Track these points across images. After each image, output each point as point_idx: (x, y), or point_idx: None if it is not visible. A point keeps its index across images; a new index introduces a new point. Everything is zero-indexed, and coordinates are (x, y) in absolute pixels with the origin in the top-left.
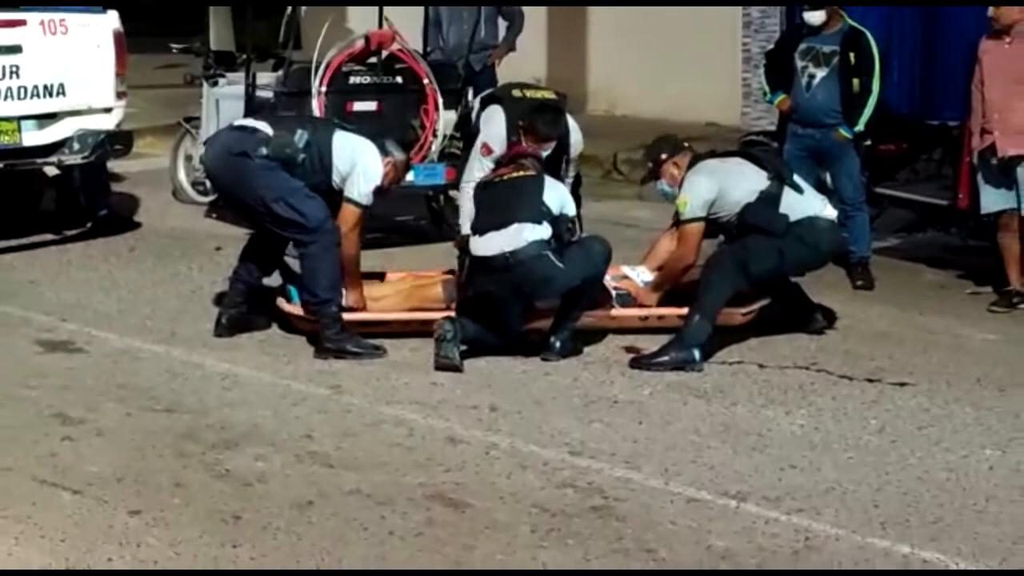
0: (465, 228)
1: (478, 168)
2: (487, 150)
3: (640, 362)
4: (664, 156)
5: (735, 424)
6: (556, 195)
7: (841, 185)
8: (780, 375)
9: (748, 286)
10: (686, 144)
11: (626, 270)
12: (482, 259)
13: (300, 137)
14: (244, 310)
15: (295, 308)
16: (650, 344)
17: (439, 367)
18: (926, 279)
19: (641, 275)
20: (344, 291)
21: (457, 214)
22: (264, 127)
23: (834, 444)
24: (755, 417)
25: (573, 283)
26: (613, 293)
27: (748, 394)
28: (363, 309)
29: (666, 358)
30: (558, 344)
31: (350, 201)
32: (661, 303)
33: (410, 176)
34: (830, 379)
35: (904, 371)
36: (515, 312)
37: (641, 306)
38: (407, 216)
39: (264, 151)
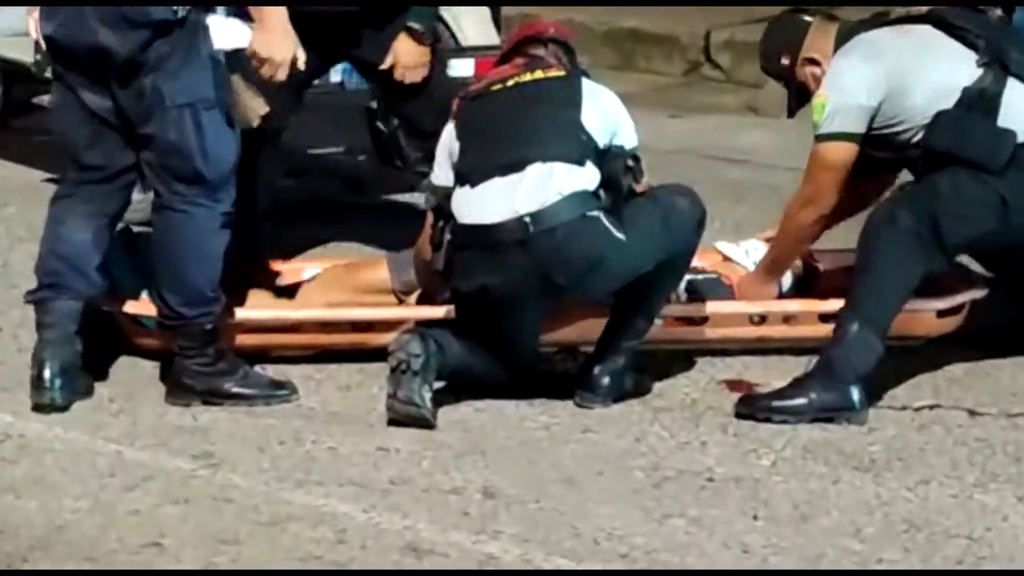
0: None
1: None
2: None
3: (757, 407)
4: (786, 59)
5: (928, 519)
6: (603, 111)
7: None
8: (1008, 430)
9: (946, 264)
10: (808, 17)
11: (726, 249)
12: (478, 229)
13: None
14: (79, 346)
15: (138, 306)
16: (771, 376)
17: (396, 419)
18: None
19: (753, 254)
20: None
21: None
22: None
23: None
24: (962, 506)
25: (642, 268)
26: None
27: (950, 464)
28: None
29: (802, 401)
30: (607, 379)
31: None
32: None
33: (336, 74)
34: None
35: None
36: (532, 321)
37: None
38: (334, 147)
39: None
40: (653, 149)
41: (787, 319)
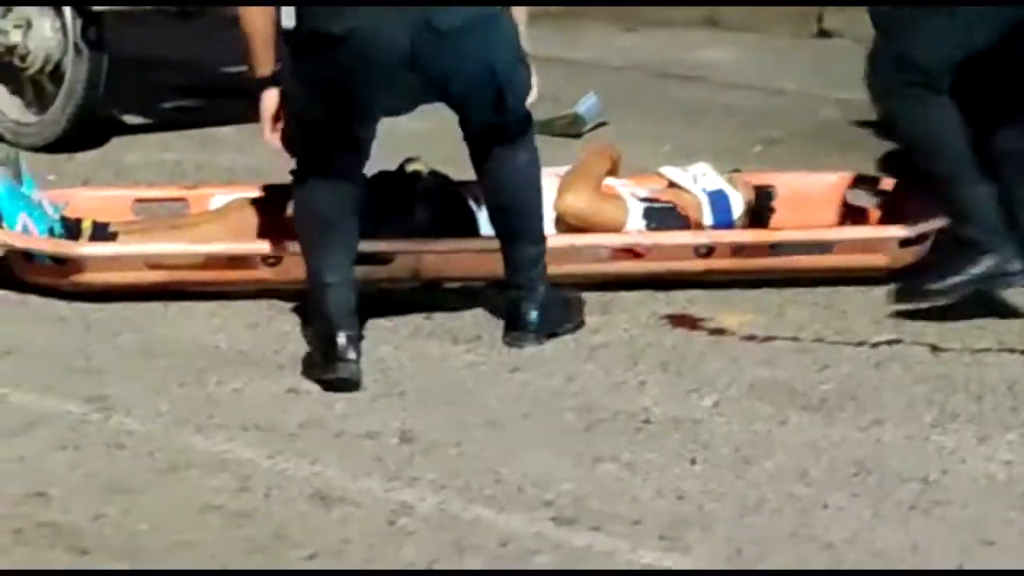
0: None
1: None
2: None
3: (918, 291)
4: None
5: (880, 461)
6: None
7: None
8: (971, 366)
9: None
10: None
11: (671, 173)
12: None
13: None
14: None
15: (29, 241)
16: (719, 310)
17: (334, 385)
18: None
19: (702, 180)
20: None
21: None
22: None
23: None
24: (918, 448)
25: (502, 61)
26: (639, 208)
27: (907, 403)
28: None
29: (959, 278)
30: (533, 312)
31: None
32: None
33: None
34: None
35: None
36: (383, 96)
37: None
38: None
39: None
40: (602, 65)
41: (736, 250)
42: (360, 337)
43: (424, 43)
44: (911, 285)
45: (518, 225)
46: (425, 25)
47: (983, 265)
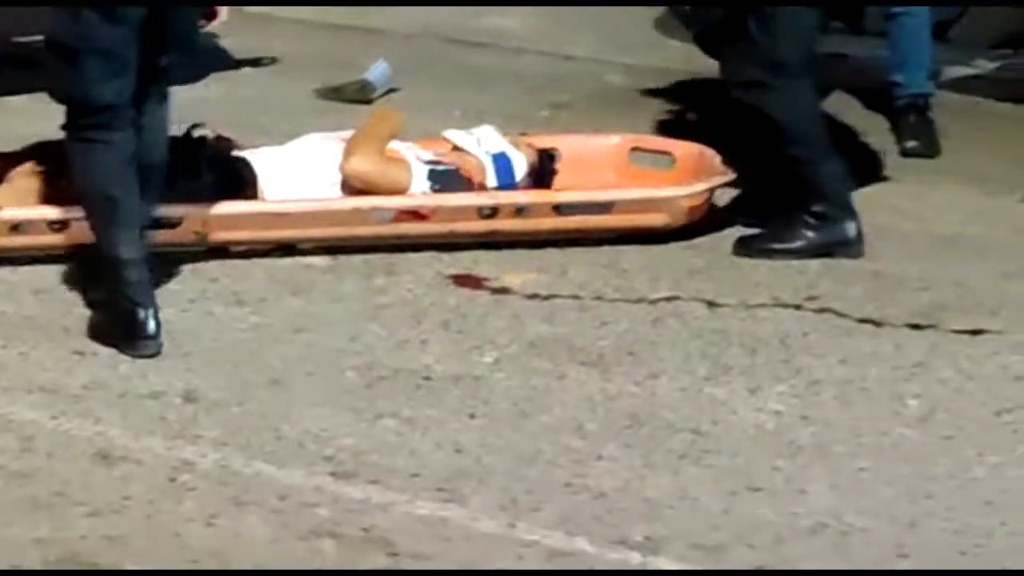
0: None
1: None
2: None
3: (753, 248)
4: None
5: (653, 413)
6: None
7: None
8: (746, 321)
9: None
10: None
11: (455, 137)
12: None
13: None
14: None
15: None
16: (503, 270)
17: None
18: None
19: (486, 143)
20: None
21: None
22: None
23: (836, 445)
24: (691, 400)
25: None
26: (424, 170)
27: (683, 357)
28: None
29: (803, 244)
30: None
31: None
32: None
33: None
34: (840, 326)
35: (982, 308)
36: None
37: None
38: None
39: None
40: (393, 33)
41: (520, 211)
42: (158, 309)
43: None
44: (756, 241)
45: (156, 183)
46: None
47: (828, 235)
